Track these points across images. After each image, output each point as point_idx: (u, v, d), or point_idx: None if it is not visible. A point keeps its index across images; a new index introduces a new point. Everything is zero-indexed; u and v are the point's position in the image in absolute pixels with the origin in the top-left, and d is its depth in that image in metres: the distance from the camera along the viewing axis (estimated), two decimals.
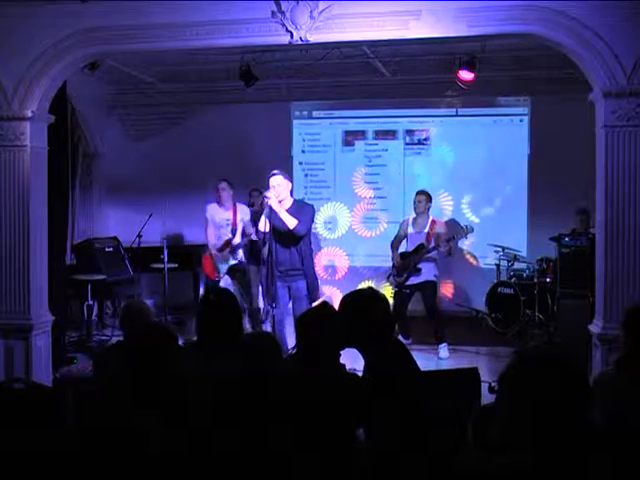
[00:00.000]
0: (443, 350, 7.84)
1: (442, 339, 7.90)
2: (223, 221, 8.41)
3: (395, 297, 8.20)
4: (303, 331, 3.52)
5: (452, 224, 9.21)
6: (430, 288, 8.12)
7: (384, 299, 3.61)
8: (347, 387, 3.33)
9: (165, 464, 1.58)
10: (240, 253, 8.51)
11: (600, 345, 5.12)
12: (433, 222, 8.25)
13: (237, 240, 8.36)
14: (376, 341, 3.41)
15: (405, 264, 8.16)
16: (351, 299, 3.55)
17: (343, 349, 3.59)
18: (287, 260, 6.52)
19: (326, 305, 3.71)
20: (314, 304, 6.29)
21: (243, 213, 8.52)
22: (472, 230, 8.25)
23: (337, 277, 10.72)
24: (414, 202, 8.33)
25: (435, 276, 8.18)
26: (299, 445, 2.30)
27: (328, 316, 3.56)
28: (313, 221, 6.80)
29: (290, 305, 6.68)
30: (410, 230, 8.34)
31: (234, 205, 8.49)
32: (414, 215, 8.39)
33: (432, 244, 8.05)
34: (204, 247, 8.66)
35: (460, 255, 9.88)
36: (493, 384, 4.34)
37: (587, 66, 5.16)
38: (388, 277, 8.55)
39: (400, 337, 7.76)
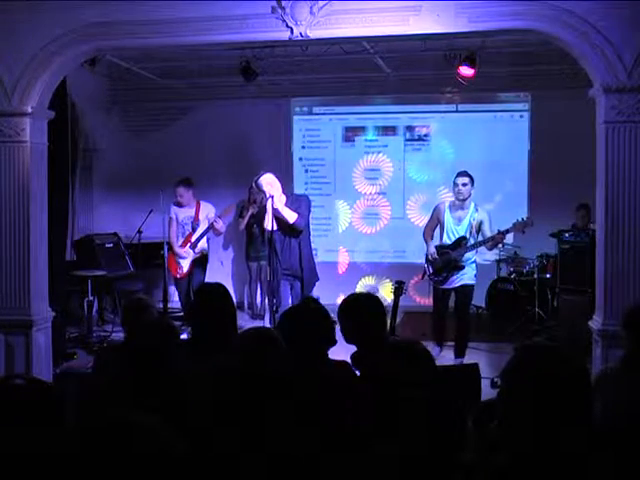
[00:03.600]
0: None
1: (462, 353, 7.26)
2: (186, 219, 8.64)
3: (436, 297, 7.44)
4: (286, 328, 3.51)
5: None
6: (467, 291, 7.29)
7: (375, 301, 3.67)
8: (340, 382, 3.34)
9: (165, 464, 1.58)
10: (201, 245, 8.66)
11: (600, 341, 5.12)
12: (476, 211, 7.19)
13: (197, 235, 8.56)
14: (372, 340, 3.45)
15: (444, 260, 7.19)
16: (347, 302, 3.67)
17: (332, 345, 3.60)
18: (289, 257, 6.64)
19: (309, 302, 3.73)
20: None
21: (207, 210, 8.69)
22: (532, 224, 7.27)
23: (337, 273, 10.72)
24: (455, 186, 7.17)
25: (476, 275, 7.32)
26: (299, 444, 2.30)
27: (310, 313, 3.57)
28: (310, 211, 6.86)
29: (290, 302, 6.72)
30: (447, 218, 7.27)
31: (197, 203, 8.68)
32: (452, 199, 7.35)
33: (475, 238, 7.14)
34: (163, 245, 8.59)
35: None
36: (496, 379, 4.35)
37: (587, 62, 5.16)
38: (423, 275, 7.53)
39: (435, 347, 7.29)
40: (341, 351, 3.58)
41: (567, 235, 8.13)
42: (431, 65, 9.31)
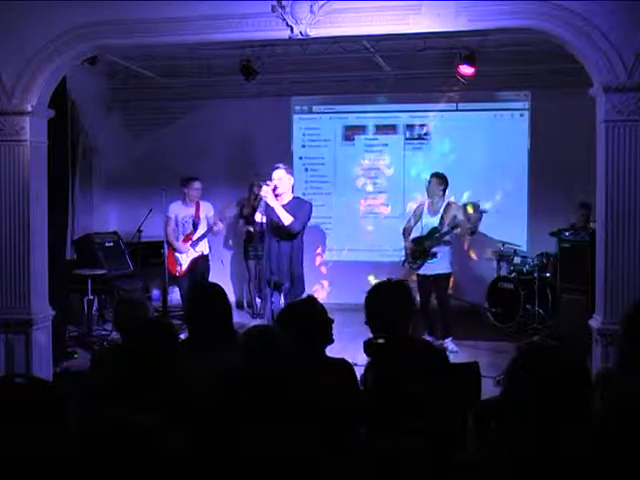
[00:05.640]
0: (450, 344, 7.75)
1: (449, 334, 7.83)
2: (186, 217, 8.62)
3: (419, 285, 7.91)
4: (284, 326, 3.50)
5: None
6: (443, 280, 7.91)
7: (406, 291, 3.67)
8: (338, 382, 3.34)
9: (165, 463, 1.58)
10: (202, 245, 8.65)
11: (600, 340, 5.12)
12: (448, 205, 7.95)
13: (198, 234, 8.56)
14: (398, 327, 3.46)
15: (419, 250, 7.86)
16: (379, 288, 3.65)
17: (329, 344, 3.60)
18: (276, 258, 6.53)
19: (309, 300, 3.72)
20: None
21: (207, 210, 8.71)
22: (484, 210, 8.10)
23: (337, 272, 10.72)
24: (427, 183, 8.12)
25: (450, 263, 7.99)
26: (302, 444, 2.30)
27: (309, 311, 3.56)
28: (310, 218, 6.73)
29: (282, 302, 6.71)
30: (425, 214, 8.03)
31: (197, 203, 8.68)
32: (430, 199, 8.11)
33: (445, 227, 7.79)
34: (163, 244, 8.63)
35: (460, 249, 9.86)
36: (499, 378, 4.36)
37: (587, 60, 5.15)
38: (403, 264, 8.21)
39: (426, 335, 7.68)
40: (341, 350, 3.59)
41: (567, 234, 8.13)
42: (431, 64, 9.33)
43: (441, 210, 7.90)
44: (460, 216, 7.89)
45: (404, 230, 8.23)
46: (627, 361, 3.23)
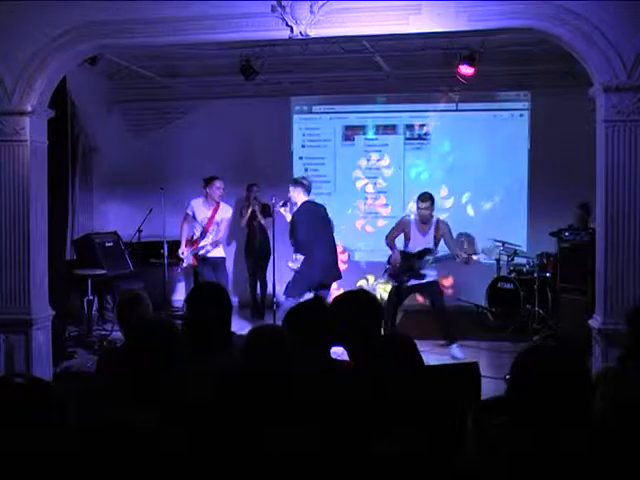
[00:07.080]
0: (457, 350, 7.59)
1: (453, 339, 7.67)
2: (204, 220, 8.32)
3: (393, 292, 7.83)
4: (290, 325, 3.49)
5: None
6: (434, 288, 7.84)
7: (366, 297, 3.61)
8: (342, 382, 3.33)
9: (165, 464, 1.58)
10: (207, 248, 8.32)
11: (600, 340, 5.13)
12: (438, 222, 7.79)
13: (205, 242, 8.27)
14: (362, 336, 3.40)
15: (407, 266, 7.70)
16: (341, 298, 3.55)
17: (333, 344, 3.59)
18: None
19: (316, 300, 3.71)
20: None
21: (223, 213, 8.39)
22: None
23: None
24: (418, 208, 7.75)
25: (436, 274, 7.88)
26: (299, 443, 2.30)
27: (316, 310, 3.55)
28: (294, 228, 7.39)
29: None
30: (414, 231, 7.79)
31: (216, 204, 8.35)
32: (414, 216, 7.95)
33: (441, 252, 7.77)
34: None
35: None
36: (508, 376, 4.36)
37: (587, 61, 5.16)
38: (384, 273, 8.04)
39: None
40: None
41: (567, 234, 8.12)
42: (431, 64, 9.33)
43: (432, 230, 7.74)
44: (448, 238, 7.76)
45: (388, 239, 7.96)
46: (630, 358, 3.23)
